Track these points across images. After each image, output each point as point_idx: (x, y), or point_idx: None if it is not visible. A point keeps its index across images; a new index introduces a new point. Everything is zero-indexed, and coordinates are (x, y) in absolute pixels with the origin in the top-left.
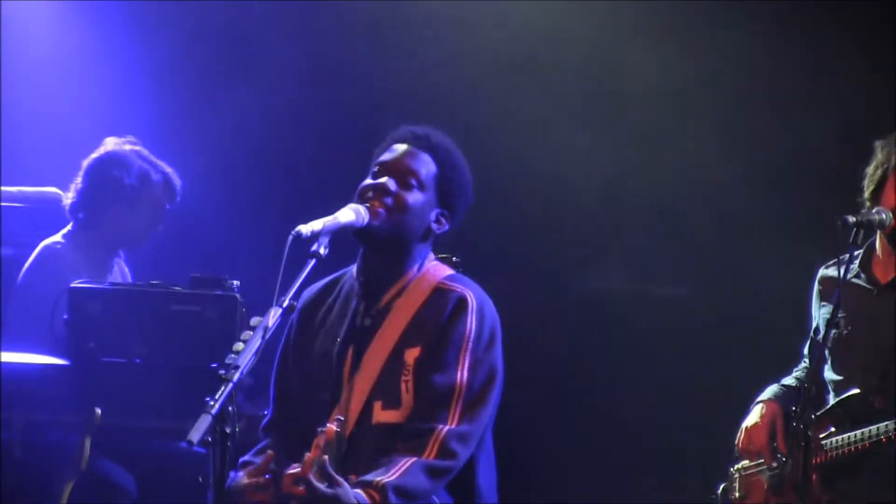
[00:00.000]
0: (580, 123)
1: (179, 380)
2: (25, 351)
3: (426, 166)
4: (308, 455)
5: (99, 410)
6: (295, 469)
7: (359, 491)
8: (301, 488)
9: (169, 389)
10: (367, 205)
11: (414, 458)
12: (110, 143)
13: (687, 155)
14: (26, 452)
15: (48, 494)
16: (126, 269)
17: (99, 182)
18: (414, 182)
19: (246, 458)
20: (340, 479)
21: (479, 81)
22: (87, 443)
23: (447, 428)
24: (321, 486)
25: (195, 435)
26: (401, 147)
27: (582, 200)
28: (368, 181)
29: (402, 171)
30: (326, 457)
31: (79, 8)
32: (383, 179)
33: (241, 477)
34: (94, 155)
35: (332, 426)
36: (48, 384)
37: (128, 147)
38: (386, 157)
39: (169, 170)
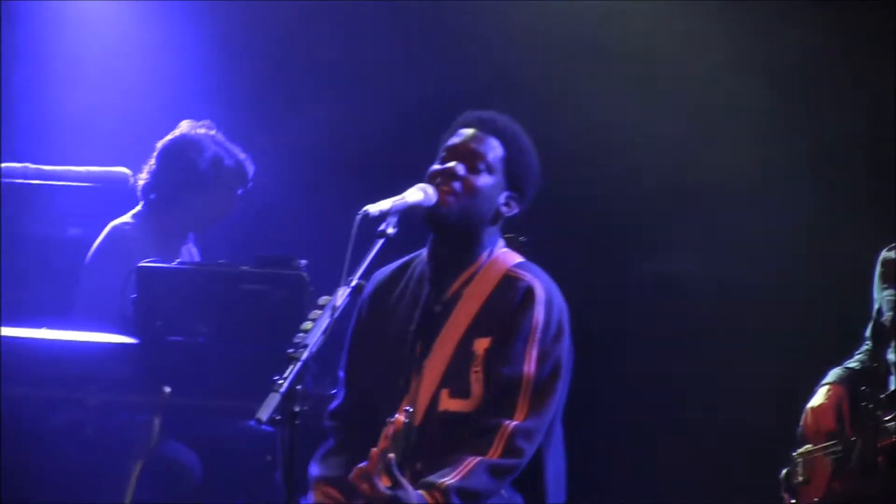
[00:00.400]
0: (644, 107)
1: (246, 359)
2: (93, 330)
3: (493, 150)
4: (374, 450)
5: (168, 389)
6: (363, 464)
7: (421, 492)
8: (365, 485)
9: (236, 369)
10: (439, 189)
11: (478, 458)
12: (185, 126)
13: (751, 138)
14: (97, 432)
15: (118, 474)
16: (195, 250)
17: (172, 164)
18: (482, 165)
19: (316, 471)
20: (404, 481)
21: (543, 65)
22: (157, 422)
23: (513, 424)
24: (383, 487)
25: (263, 413)
26: (468, 131)
27: (645, 184)
28: (436, 166)
29: (469, 155)
30: (392, 455)
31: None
32: (451, 164)
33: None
34: (169, 137)
35: (401, 417)
36: (117, 363)
37: (202, 131)
38: (453, 141)
39: (242, 156)
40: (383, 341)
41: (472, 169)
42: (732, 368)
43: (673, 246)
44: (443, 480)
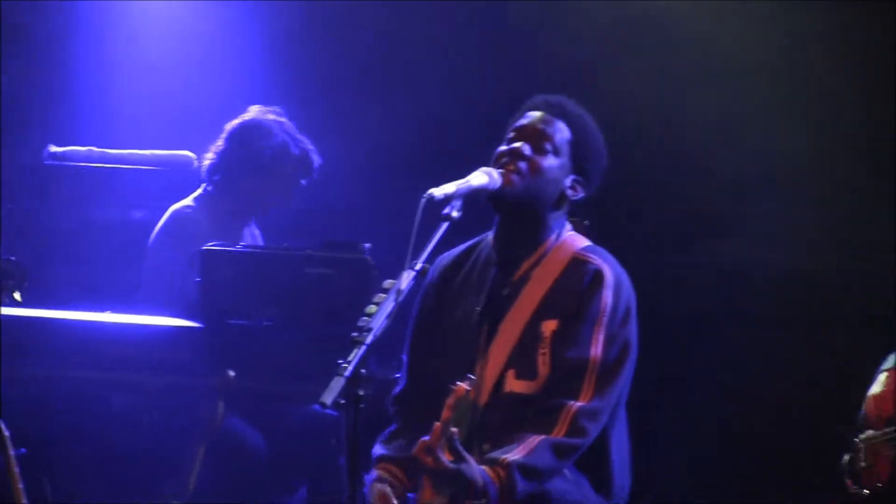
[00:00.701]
0: (707, 96)
1: (311, 343)
2: (156, 313)
3: (560, 132)
4: (437, 423)
5: (232, 373)
6: (425, 438)
7: (484, 468)
8: (429, 458)
9: (300, 352)
10: (502, 170)
11: (542, 437)
12: (255, 111)
13: (819, 128)
14: (160, 415)
15: (182, 457)
16: (257, 233)
17: (239, 147)
18: (548, 146)
19: (379, 450)
20: (466, 455)
21: (611, 57)
22: (221, 406)
23: (578, 405)
24: (447, 459)
25: (328, 397)
26: (535, 114)
27: (711, 171)
28: (503, 147)
29: (536, 136)
30: (455, 430)
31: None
32: (517, 144)
33: (376, 490)
34: (239, 120)
35: (463, 385)
36: (181, 347)
37: (272, 117)
38: (520, 122)
39: (309, 146)
40: (448, 324)
41: (539, 150)
42: (794, 354)
43: (739, 233)
44: (506, 456)
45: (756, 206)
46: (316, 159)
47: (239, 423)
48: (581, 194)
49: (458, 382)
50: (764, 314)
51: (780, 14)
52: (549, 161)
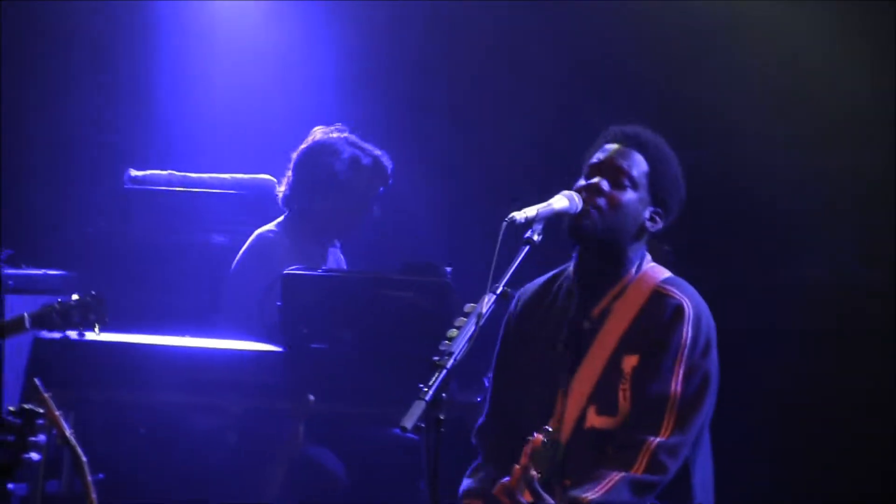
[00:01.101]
0: (780, 115)
1: (391, 366)
2: (239, 338)
3: (637, 165)
4: (517, 466)
5: (312, 397)
6: (505, 480)
7: None
8: (508, 500)
9: (380, 376)
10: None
11: (622, 474)
12: (318, 133)
13: (872, 141)
14: (241, 438)
15: (262, 480)
16: (341, 257)
17: (310, 171)
18: (626, 181)
19: (466, 484)
20: (546, 497)
21: (682, 78)
22: (301, 429)
23: (658, 440)
24: (525, 501)
25: (408, 421)
26: (612, 147)
27: (785, 191)
28: (581, 182)
29: (613, 171)
30: (535, 472)
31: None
32: (595, 180)
33: None
34: (303, 146)
35: (540, 436)
36: (263, 371)
37: (335, 135)
38: (597, 157)
39: (378, 152)
40: (531, 356)
41: (617, 185)
42: (870, 371)
43: (810, 251)
44: (585, 495)
45: (833, 224)
46: (388, 163)
47: (319, 448)
48: (660, 225)
49: (536, 434)
50: (845, 332)
51: (858, 30)
52: (628, 196)
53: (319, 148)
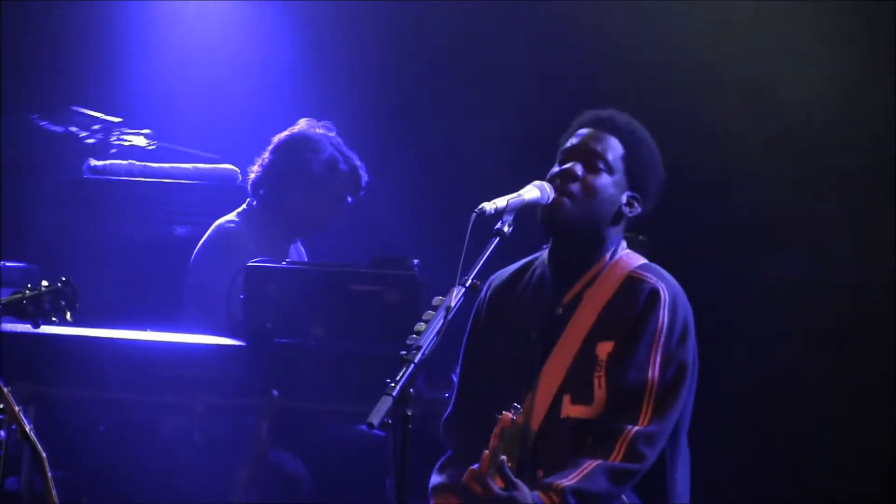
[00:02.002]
0: (760, 107)
1: (358, 362)
2: (199, 332)
3: (613, 148)
4: (486, 452)
5: (276, 393)
6: (474, 466)
7: (538, 493)
8: (479, 487)
9: (347, 372)
10: (557, 191)
11: (598, 461)
12: (304, 124)
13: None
14: (203, 436)
15: (225, 480)
16: (303, 250)
17: (286, 160)
18: (601, 165)
19: (436, 480)
20: (518, 482)
21: (665, 66)
22: (265, 427)
23: (635, 429)
24: (498, 488)
25: (375, 417)
26: (585, 131)
27: (767, 183)
28: (556, 168)
29: (587, 155)
30: (505, 457)
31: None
32: (569, 165)
33: None
34: (286, 133)
35: (508, 414)
36: (225, 366)
37: (321, 131)
38: (571, 142)
39: (358, 162)
40: (501, 345)
41: (591, 168)
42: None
43: (795, 247)
44: (560, 481)
45: (814, 221)
46: (364, 176)
47: (282, 449)
48: (638, 210)
49: (504, 412)
50: (829, 331)
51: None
52: (603, 180)
53: (301, 140)
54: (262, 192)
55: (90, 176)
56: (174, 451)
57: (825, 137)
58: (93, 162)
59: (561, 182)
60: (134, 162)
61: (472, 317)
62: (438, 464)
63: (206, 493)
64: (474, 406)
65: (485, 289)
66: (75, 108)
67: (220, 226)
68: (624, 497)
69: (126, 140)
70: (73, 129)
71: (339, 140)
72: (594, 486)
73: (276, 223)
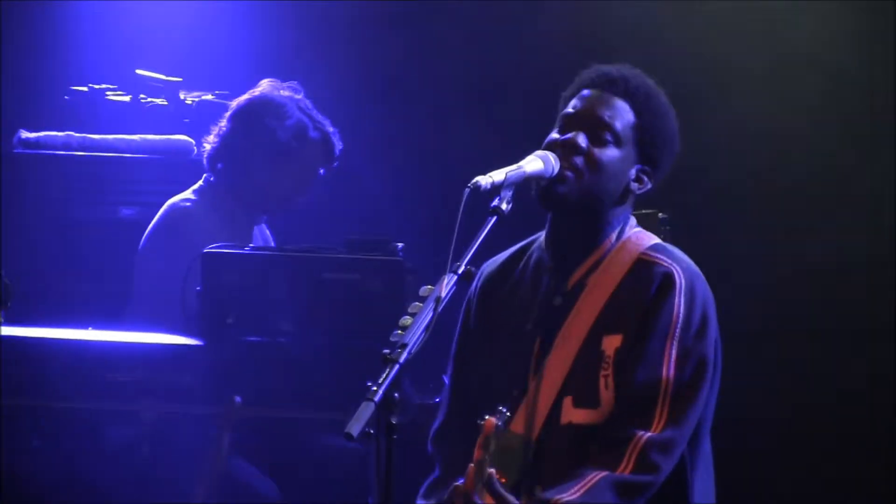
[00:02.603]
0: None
1: (334, 362)
2: (150, 330)
3: (622, 116)
4: (471, 465)
5: (239, 399)
6: (459, 482)
7: None
8: None
9: (321, 374)
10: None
11: (604, 473)
12: (266, 86)
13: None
14: (157, 450)
15: (182, 498)
16: (268, 233)
17: (247, 129)
18: (608, 136)
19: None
20: (510, 498)
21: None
22: (226, 438)
23: (648, 435)
24: None
25: (354, 427)
26: (592, 94)
27: (801, 161)
28: (555, 136)
29: (593, 124)
30: (494, 471)
31: None
32: (572, 135)
33: None
34: (246, 96)
35: (491, 419)
36: (179, 369)
37: (287, 93)
38: (574, 106)
39: (330, 129)
40: (496, 341)
41: (597, 140)
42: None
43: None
44: (559, 497)
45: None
46: (338, 144)
47: (247, 462)
48: (648, 186)
49: (487, 417)
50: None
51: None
52: (610, 153)
53: (264, 105)
54: (220, 166)
55: (21, 150)
56: (120, 465)
57: None
58: (24, 134)
59: (562, 153)
60: (72, 133)
61: (463, 310)
62: (424, 487)
63: None
64: (468, 415)
65: (476, 278)
66: (141, 71)
67: (172, 205)
68: None
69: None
70: (143, 96)
71: (308, 103)
72: (600, 501)
73: (238, 202)
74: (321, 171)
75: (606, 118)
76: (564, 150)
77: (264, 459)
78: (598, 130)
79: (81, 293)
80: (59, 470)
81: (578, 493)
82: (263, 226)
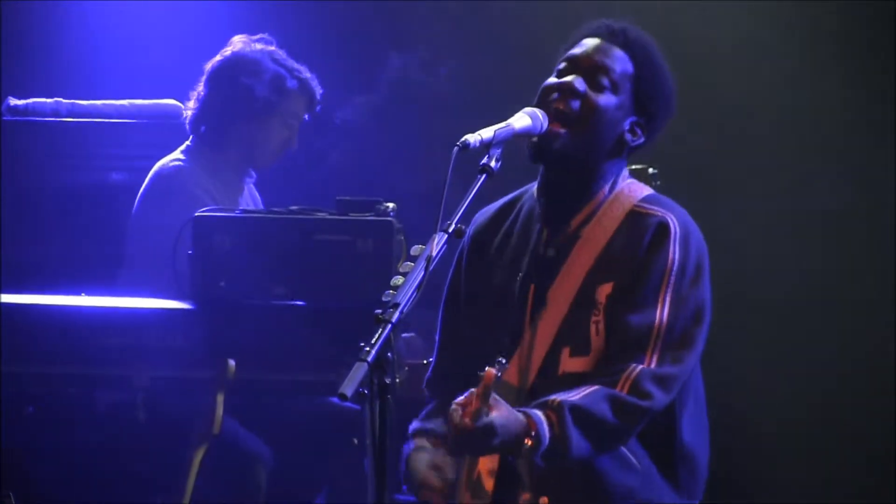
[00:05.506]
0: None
1: (326, 324)
2: (144, 294)
3: (622, 64)
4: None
5: (233, 363)
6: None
7: (536, 411)
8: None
9: (313, 335)
10: (553, 107)
11: (600, 386)
12: (238, 43)
13: None
14: (151, 415)
15: (175, 464)
16: (257, 195)
17: (225, 90)
18: (605, 81)
19: (416, 424)
20: (497, 400)
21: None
22: (220, 402)
23: (641, 367)
24: (464, 421)
25: (348, 388)
26: (592, 41)
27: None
28: (552, 80)
29: (592, 69)
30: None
31: None
32: (570, 78)
33: (420, 459)
34: (219, 57)
35: (492, 370)
36: (173, 333)
37: (259, 47)
38: (574, 52)
39: (307, 75)
40: (486, 295)
41: (594, 85)
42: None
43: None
44: (556, 397)
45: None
46: (318, 89)
47: (240, 426)
48: (641, 140)
49: (487, 368)
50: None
51: None
52: (607, 99)
53: (238, 62)
54: (203, 129)
55: (9, 117)
56: (113, 431)
57: None
58: (12, 101)
59: (559, 96)
60: (60, 100)
61: (454, 262)
62: (422, 413)
63: (151, 479)
64: (458, 366)
65: (468, 230)
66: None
67: (161, 168)
68: (623, 449)
69: None
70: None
71: (282, 53)
72: (596, 407)
73: (227, 160)
74: (305, 117)
75: (606, 64)
76: (562, 91)
77: (257, 422)
78: (597, 75)
79: (73, 259)
80: (52, 436)
81: (578, 396)
82: (252, 187)
